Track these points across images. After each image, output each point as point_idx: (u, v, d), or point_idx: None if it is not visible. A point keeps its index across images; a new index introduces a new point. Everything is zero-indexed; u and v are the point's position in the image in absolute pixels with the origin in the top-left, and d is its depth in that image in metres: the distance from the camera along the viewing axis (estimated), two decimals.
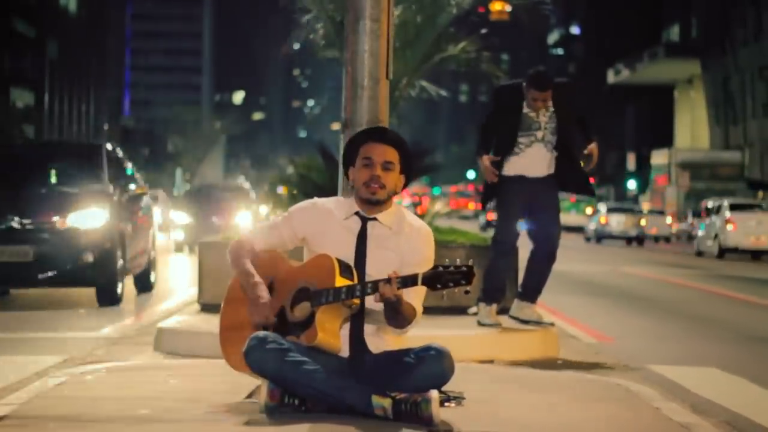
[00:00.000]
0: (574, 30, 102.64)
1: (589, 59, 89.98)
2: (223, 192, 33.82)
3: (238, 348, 4.97)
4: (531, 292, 8.75)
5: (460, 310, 9.70)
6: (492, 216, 75.80)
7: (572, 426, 5.10)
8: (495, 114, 8.63)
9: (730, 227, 33.62)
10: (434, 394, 4.79)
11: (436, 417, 4.75)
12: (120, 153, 14.92)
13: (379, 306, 4.92)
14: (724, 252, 33.92)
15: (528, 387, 6.26)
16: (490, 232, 9.73)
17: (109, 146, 14.41)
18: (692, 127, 69.04)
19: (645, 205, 60.13)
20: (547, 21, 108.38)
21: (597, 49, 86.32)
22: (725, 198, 38.24)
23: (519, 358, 8.28)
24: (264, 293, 5.02)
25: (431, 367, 4.91)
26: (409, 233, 5.11)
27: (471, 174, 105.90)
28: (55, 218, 12.53)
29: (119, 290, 13.01)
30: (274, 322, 5.00)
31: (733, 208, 34.89)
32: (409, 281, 4.78)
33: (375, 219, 5.12)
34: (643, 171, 71.74)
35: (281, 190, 14.94)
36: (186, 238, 28.58)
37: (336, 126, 13.47)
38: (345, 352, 5.03)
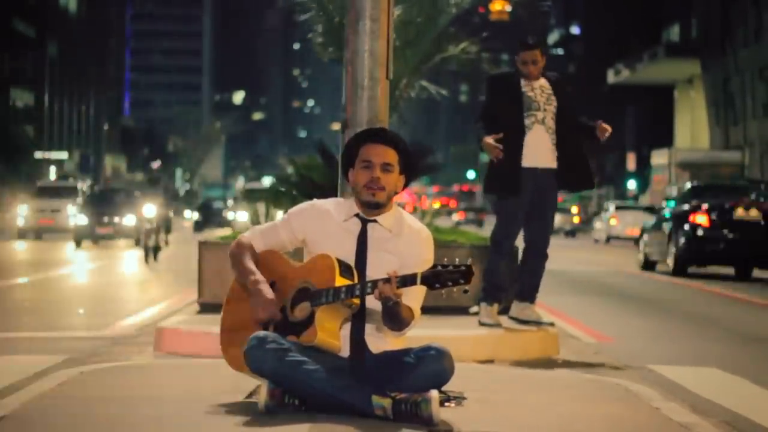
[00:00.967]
0: (574, 30, 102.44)
1: (589, 59, 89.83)
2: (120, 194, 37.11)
3: (239, 349, 4.97)
4: (529, 291, 8.76)
5: (460, 310, 9.70)
6: (463, 216, 75.67)
7: (572, 426, 5.10)
8: (492, 101, 8.59)
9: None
10: (434, 394, 4.79)
11: (436, 417, 4.74)
12: None
13: (380, 306, 4.92)
14: None
15: (528, 387, 6.27)
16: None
17: None
18: (692, 127, 68.95)
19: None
20: (547, 21, 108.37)
21: (597, 49, 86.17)
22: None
23: (519, 358, 8.29)
24: (269, 291, 5.02)
25: (431, 367, 4.90)
26: (408, 235, 5.11)
27: (471, 174, 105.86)
28: None
29: None
30: (281, 318, 5.00)
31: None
32: (408, 280, 4.78)
33: (375, 221, 5.12)
34: (643, 171, 71.65)
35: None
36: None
37: (336, 126, 13.47)
38: (345, 351, 5.03)
